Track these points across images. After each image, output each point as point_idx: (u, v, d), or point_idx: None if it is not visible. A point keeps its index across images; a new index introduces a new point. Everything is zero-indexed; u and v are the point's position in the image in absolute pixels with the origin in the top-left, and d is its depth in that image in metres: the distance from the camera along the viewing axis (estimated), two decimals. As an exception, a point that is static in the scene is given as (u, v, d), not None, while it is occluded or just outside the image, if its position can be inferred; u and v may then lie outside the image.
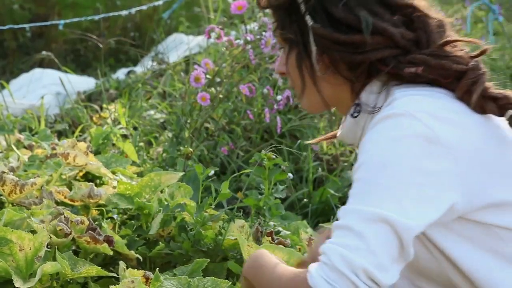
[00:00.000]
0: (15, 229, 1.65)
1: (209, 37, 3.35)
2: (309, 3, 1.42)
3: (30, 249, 1.62)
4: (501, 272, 1.35)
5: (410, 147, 1.27)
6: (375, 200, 1.25)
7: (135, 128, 3.67)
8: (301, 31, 1.44)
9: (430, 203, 1.26)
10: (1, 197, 2.10)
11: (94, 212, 2.21)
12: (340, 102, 1.49)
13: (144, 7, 5.61)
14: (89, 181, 2.58)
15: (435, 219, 1.27)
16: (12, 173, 2.22)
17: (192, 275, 1.75)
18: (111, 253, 1.89)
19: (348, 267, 1.21)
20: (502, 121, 1.38)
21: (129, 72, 5.71)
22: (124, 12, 5.04)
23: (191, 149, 2.70)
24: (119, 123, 3.63)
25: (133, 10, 5.19)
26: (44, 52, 4.83)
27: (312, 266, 1.25)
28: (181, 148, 2.84)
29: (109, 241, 1.86)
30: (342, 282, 1.20)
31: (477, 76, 1.38)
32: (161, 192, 2.30)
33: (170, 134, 3.39)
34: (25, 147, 3.00)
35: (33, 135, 3.30)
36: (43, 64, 6.05)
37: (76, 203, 2.18)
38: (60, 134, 3.85)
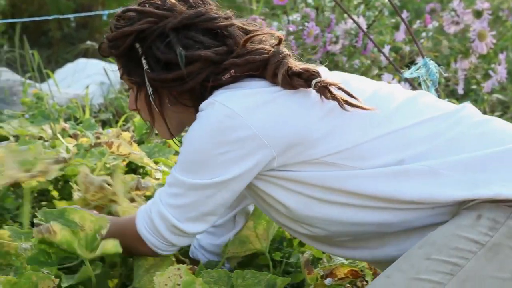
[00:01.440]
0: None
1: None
2: (143, 48, 1.62)
3: (91, 230, 1.65)
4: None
5: (214, 126, 1.53)
6: (185, 170, 1.57)
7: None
8: (144, 74, 1.64)
9: (235, 165, 1.54)
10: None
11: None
12: (189, 125, 1.67)
13: (186, -2, 5.62)
14: (132, 170, 2.61)
15: (246, 173, 1.54)
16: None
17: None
18: None
19: (162, 223, 1.61)
20: (311, 91, 1.57)
21: (171, 62, 5.74)
22: (167, 3, 5.06)
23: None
24: (162, 113, 3.66)
25: (176, 1, 5.21)
26: (88, 42, 4.90)
27: (139, 211, 1.66)
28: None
29: None
30: (157, 234, 1.63)
31: (279, 59, 1.58)
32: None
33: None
34: (70, 136, 3.05)
35: (77, 124, 3.35)
36: (88, 54, 6.13)
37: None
38: (104, 124, 3.90)
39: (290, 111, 1.55)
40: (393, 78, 3.60)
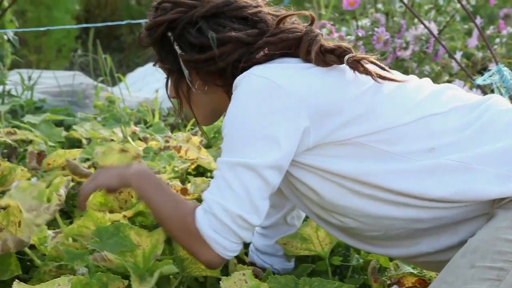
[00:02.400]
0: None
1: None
2: (175, 35, 1.69)
3: (147, 246, 1.65)
4: (375, 165, 1.55)
5: (253, 98, 1.53)
6: (234, 151, 1.52)
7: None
8: (175, 60, 1.70)
9: (282, 136, 1.51)
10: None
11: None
12: (226, 108, 1.67)
13: (255, 3, 5.65)
14: (200, 174, 2.64)
15: (292, 147, 1.52)
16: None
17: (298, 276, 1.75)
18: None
19: (228, 216, 1.50)
20: (346, 70, 1.58)
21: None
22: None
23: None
24: (230, 117, 3.68)
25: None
26: (159, 47, 4.94)
27: (198, 212, 1.53)
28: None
29: None
30: (225, 231, 1.51)
31: (312, 37, 1.61)
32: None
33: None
34: (140, 139, 3.10)
35: (147, 128, 3.41)
36: (158, 58, 6.23)
37: (187, 197, 2.23)
38: (173, 128, 3.95)
39: (325, 83, 1.56)
40: (464, 85, 3.53)
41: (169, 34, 1.69)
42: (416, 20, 3.76)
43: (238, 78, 1.58)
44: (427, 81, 1.70)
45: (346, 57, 1.56)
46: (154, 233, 1.65)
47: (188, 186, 2.27)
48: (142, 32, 1.75)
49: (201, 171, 2.68)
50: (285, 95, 1.51)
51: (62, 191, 1.73)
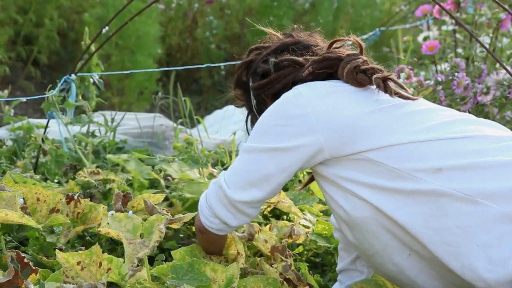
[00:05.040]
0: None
1: (399, 77, 3.34)
2: (250, 73, 1.93)
3: (223, 281, 1.67)
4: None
5: (280, 102, 1.71)
6: (251, 137, 1.74)
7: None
8: (250, 97, 1.93)
9: (287, 136, 1.66)
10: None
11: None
12: None
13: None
14: (276, 216, 2.64)
15: (291, 146, 1.65)
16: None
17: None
18: None
19: (215, 184, 1.78)
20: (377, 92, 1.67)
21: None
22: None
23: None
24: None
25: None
26: (238, 90, 5.02)
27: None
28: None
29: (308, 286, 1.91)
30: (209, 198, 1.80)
31: (352, 59, 1.73)
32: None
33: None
34: (217, 181, 3.13)
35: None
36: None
37: (266, 238, 2.23)
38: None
39: (347, 98, 1.67)
40: (548, 131, 3.43)
41: (245, 73, 1.92)
42: (497, 65, 3.70)
43: None
44: (450, 110, 1.73)
45: (374, 76, 1.66)
46: (229, 268, 1.67)
47: (266, 228, 2.28)
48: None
49: (277, 214, 2.68)
50: (303, 106, 1.64)
51: (163, 227, 1.78)
